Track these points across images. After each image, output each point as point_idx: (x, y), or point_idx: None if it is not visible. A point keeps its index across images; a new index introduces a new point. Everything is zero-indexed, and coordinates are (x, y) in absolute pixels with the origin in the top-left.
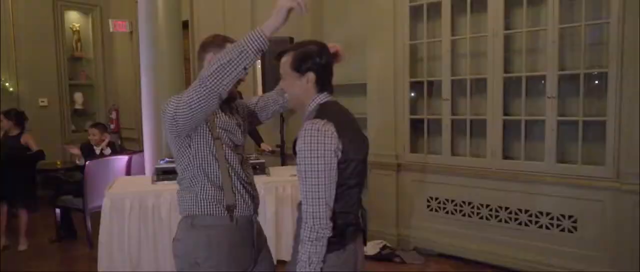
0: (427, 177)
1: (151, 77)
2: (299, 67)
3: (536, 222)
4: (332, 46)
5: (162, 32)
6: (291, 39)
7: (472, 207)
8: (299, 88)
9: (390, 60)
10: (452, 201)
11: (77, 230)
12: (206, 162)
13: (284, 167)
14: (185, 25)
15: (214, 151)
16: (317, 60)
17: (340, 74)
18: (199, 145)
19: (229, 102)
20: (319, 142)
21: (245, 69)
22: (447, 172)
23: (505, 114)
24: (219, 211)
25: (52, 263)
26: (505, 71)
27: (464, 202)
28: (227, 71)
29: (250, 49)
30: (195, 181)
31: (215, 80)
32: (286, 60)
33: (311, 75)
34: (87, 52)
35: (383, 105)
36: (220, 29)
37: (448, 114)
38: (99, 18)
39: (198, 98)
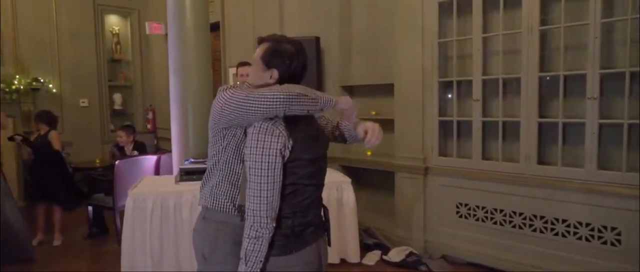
0: (457, 182)
1: (179, 78)
2: (267, 61)
3: (575, 234)
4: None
5: (190, 34)
6: (317, 39)
7: (505, 215)
8: (262, 81)
9: (418, 60)
10: (483, 207)
11: (108, 227)
12: (232, 159)
13: None
14: (216, 26)
15: (243, 151)
16: (286, 62)
17: (366, 75)
18: (231, 141)
19: None
20: (264, 141)
21: (307, 110)
22: (478, 177)
23: (541, 116)
24: (229, 208)
25: (83, 259)
26: (541, 70)
27: (495, 210)
28: (296, 104)
29: (320, 105)
30: (214, 173)
31: (281, 106)
32: (260, 49)
33: (275, 73)
34: (126, 54)
35: (410, 107)
36: (249, 30)
37: (479, 115)
38: (137, 21)
39: (255, 108)
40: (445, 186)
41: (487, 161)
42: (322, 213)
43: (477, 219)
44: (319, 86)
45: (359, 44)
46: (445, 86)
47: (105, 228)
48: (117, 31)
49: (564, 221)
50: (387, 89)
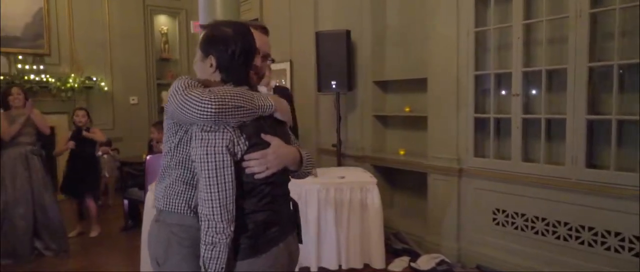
0: (494, 186)
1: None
2: (205, 49)
3: (630, 249)
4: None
5: None
6: (348, 32)
7: (547, 225)
8: (202, 71)
9: (453, 51)
10: (523, 215)
11: (142, 220)
12: (186, 157)
13: (334, 168)
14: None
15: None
16: (221, 47)
17: (397, 69)
18: (183, 137)
19: None
20: (208, 139)
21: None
22: (518, 181)
23: (591, 112)
24: (184, 209)
25: (117, 250)
26: (591, 59)
27: (536, 218)
28: (229, 117)
29: (257, 115)
30: (167, 173)
31: (211, 118)
32: (201, 38)
33: (212, 60)
34: (174, 53)
35: (444, 103)
36: (286, 26)
37: (519, 112)
38: (184, 20)
39: (187, 112)
40: (481, 190)
41: (528, 163)
42: (291, 208)
43: (516, 228)
44: (350, 81)
45: (393, 36)
46: (482, 80)
47: (139, 221)
48: (165, 31)
49: (617, 234)
50: (421, 84)
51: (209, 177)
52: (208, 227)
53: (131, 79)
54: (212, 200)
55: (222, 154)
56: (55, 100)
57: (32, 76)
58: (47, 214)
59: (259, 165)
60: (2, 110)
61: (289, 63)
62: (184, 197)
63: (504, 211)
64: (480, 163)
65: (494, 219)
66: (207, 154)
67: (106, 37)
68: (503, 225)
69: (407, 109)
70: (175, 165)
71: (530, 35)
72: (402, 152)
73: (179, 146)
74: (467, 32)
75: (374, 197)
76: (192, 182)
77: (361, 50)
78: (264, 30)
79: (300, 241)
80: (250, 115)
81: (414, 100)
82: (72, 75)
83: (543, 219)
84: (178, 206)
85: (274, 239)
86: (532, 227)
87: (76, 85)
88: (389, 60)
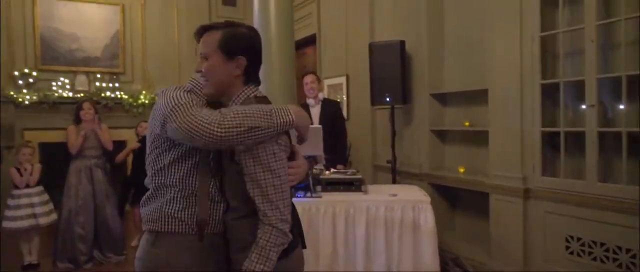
0: (566, 209)
1: (264, 90)
2: (230, 49)
3: None
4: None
5: (274, 47)
6: (402, 43)
7: (633, 257)
8: (225, 73)
9: (516, 59)
10: (602, 244)
11: None
12: (188, 171)
13: (386, 185)
14: (313, 39)
15: (198, 158)
16: (250, 48)
17: (455, 80)
18: (185, 152)
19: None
20: (272, 143)
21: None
22: (595, 204)
23: None
24: (185, 228)
25: None
26: None
27: (619, 249)
28: (251, 135)
29: (275, 130)
30: (161, 192)
31: (238, 138)
32: (213, 37)
33: (242, 61)
34: None
35: (507, 115)
36: (342, 40)
37: (594, 125)
38: None
39: (194, 136)
40: (551, 214)
41: (606, 184)
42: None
43: (595, 259)
44: (405, 94)
45: (451, 45)
46: (550, 90)
47: None
48: None
49: None
50: (481, 96)
51: (281, 184)
52: (278, 231)
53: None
54: (282, 206)
55: (285, 160)
56: (128, 116)
57: (108, 93)
58: (108, 225)
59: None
60: (73, 124)
61: (345, 77)
62: (187, 212)
63: (579, 239)
64: (550, 183)
65: (567, 248)
66: (276, 160)
67: (175, 56)
68: (579, 255)
69: (467, 123)
70: (174, 182)
71: (606, 38)
72: (461, 170)
73: (178, 162)
74: (531, 37)
75: (427, 218)
76: (192, 194)
77: (417, 61)
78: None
79: (304, 246)
80: (268, 135)
81: (474, 114)
82: (144, 91)
83: (627, 250)
84: (179, 225)
85: (294, 241)
86: (615, 259)
87: (147, 101)
88: (447, 71)
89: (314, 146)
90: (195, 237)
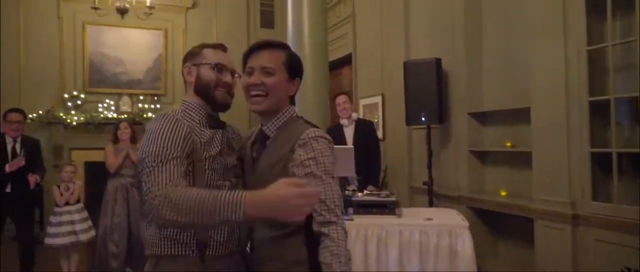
0: (622, 238)
1: (297, 111)
2: (292, 70)
3: None
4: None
5: (307, 67)
6: (438, 60)
7: None
8: (285, 92)
9: (561, 75)
10: None
11: None
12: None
13: (422, 208)
14: (349, 59)
15: (193, 175)
16: (302, 69)
17: (495, 98)
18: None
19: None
20: (330, 148)
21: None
22: None
23: None
24: (187, 251)
25: None
26: None
27: None
28: (189, 217)
29: (221, 219)
30: None
31: (169, 214)
32: (279, 56)
33: (298, 83)
34: None
35: (552, 135)
36: (378, 60)
37: None
38: None
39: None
40: (604, 242)
41: None
42: None
43: None
44: (442, 113)
45: (490, 62)
46: (599, 107)
47: None
48: None
49: None
50: (524, 115)
51: (334, 181)
52: (343, 232)
53: (234, 115)
54: (339, 211)
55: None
56: None
57: (149, 114)
58: (141, 244)
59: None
60: (111, 144)
61: (380, 97)
62: (186, 234)
63: None
64: (602, 209)
65: None
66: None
67: None
68: None
69: (508, 144)
70: None
71: None
72: (503, 193)
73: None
74: (577, 51)
75: (465, 244)
76: None
77: (454, 79)
78: (224, 48)
79: None
80: (207, 220)
81: (516, 133)
82: None
83: None
84: (180, 248)
85: None
86: None
87: None
88: (486, 88)
89: (345, 166)
90: (197, 259)
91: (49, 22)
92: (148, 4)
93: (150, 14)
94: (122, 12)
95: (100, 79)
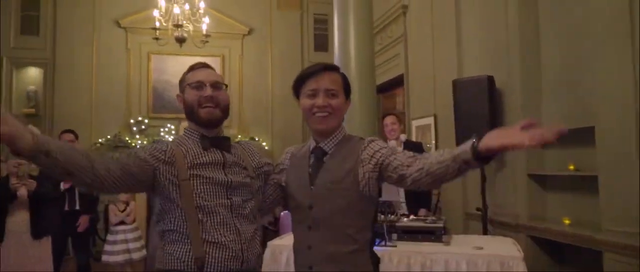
0: None
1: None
2: (347, 92)
3: None
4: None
5: (354, 89)
6: (490, 78)
7: None
8: (343, 112)
9: (629, 91)
10: None
11: None
12: (168, 207)
13: (473, 235)
14: (401, 80)
15: (179, 194)
16: None
17: (556, 117)
18: (162, 186)
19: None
20: None
21: None
22: None
23: None
24: (185, 266)
25: None
26: None
27: None
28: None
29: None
30: (161, 229)
31: None
32: (338, 78)
33: (349, 104)
34: None
35: (620, 158)
36: (430, 81)
37: None
38: None
39: None
40: None
41: None
42: None
43: None
44: None
45: (549, 77)
46: None
47: None
48: None
49: None
50: (588, 136)
51: None
52: None
53: (288, 139)
54: None
55: None
56: None
57: None
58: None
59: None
60: None
61: (433, 118)
62: (184, 250)
63: None
64: None
65: None
66: None
67: (269, 101)
68: None
69: (572, 167)
70: (169, 223)
71: None
72: (567, 222)
73: (162, 195)
74: None
75: None
76: (186, 234)
77: (509, 98)
78: (204, 65)
79: None
80: None
81: (581, 156)
82: (239, 135)
83: None
84: (178, 264)
85: None
86: None
87: None
88: (545, 107)
89: (391, 191)
90: None
91: (118, 55)
92: (204, 32)
93: (207, 41)
94: (181, 41)
95: (162, 104)
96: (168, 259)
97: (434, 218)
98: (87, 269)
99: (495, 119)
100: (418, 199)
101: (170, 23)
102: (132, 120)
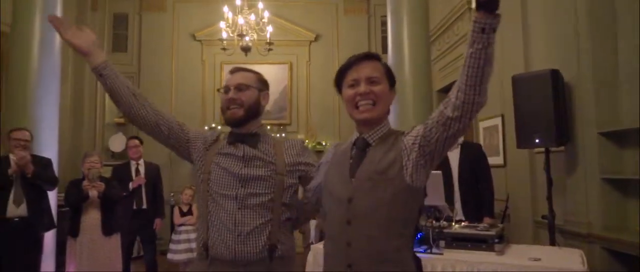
0: None
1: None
2: (391, 79)
3: None
4: None
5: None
6: (554, 72)
7: None
8: (388, 101)
9: None
10: None
11: None
12: (199, 189)
13: (534, 246)
14: None
15: (201, 179)
16: None
17: (636, 113)
18: (196, 171)
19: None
20: None
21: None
22: None
23: None
24: (199, 250)
25: None
26: None
27: None
28: None
29: None
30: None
31: None
32: (379, 66)
33: (394, 93)
34: None
35: None
36: (497, 79)
37: None
38: None
39: None
40: None
41: None
42: None
43: None
44: (561, 133)
45: (627, 68)
46: None
47: None
48: None
49: None
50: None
51: None
52: None
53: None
54: None
55: None
56: None
57: None
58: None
59: None
60: None
61: (500, 118)
62: (198, 238)
63: None
64: None
65: None
66: None
67: (335, 105)
68: None
69: None
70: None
71: None
72: None
73: (196, 180)
74: None
75: None
76: (201, 222)
77: (580, 93)
78: (235, 69)
79: None
80: None
81: (626, 158)
82: (307, 140)
83: None
84: (197, 251)
85: None
86: None
87: None
88: (623, 101)
89: (434, 194)
90: (204, 260)
91: (194, 66)
92: (268, 40)
93: (271, 49)
94: (246, 50)
95: None
96: (195, 250)
97: (486, 225)
98: (155, 265)
99: (561, 118)
100: (479, 205)
101: (236, 33)
102: (206, 127)
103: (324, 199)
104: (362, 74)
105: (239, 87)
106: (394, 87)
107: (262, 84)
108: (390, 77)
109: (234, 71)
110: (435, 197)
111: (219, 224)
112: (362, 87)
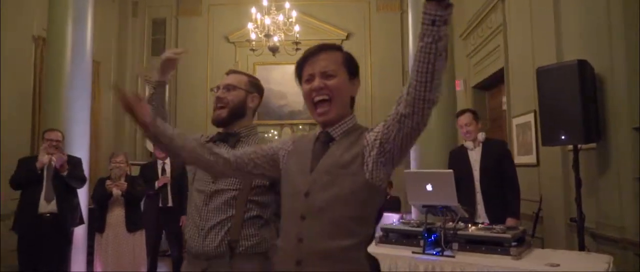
0: None
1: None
2: (352, 69)
3: None
4: None
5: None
6: (582, 64)
7: None
8: (347, 94)
9: None
10: None
11: None
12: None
13: (557, 250)
14: (502, 75)
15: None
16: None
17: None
18: (189, 170)
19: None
20: None
21: None
22: None
23: None
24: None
25: None
26: None
27: None
28: None
29: None
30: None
31: None
32: (336, 56)
33: (358, 83)
34: None
35: None
36: (529, 73)
37: None
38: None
39: None
40: None
41: None
42: None
43: None
44: (590, 130)
45: None
46: None
47: None
48: None
49: None
50: None
51: None
52: None
53: None
54: None
55: None
56: None
57: None
58: None
59: None
60: None
61: (532, 114)
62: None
63: None
64: None
65: None
66: None
67: (369, 104)
68: None
69: None
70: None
71: None
72: None
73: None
74: None
75: None
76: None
77: (611, 86)
78: (228, 72)
79: None
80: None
81: None
82: None
83: None
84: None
85: None
86: None
87: None
88: None
89: (445, 194)
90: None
91: (228, 67)
92: (296, 39)
93: (298, 49)
94: (273, 50)
95: (267, 112)
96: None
97: (502, 227)
98: (181, 261)
99: (589, 112)
100: (504, 205)
101: (263, 34)
102: None
103: (281, 190)
104: (317, 68)
105: (227, 87)
106: (357, 76)
107: (253, 87)
108: (350, 67)
109: (228, 73)
110: (446, 196)
111: (190, 219)
112: (316, 82)
